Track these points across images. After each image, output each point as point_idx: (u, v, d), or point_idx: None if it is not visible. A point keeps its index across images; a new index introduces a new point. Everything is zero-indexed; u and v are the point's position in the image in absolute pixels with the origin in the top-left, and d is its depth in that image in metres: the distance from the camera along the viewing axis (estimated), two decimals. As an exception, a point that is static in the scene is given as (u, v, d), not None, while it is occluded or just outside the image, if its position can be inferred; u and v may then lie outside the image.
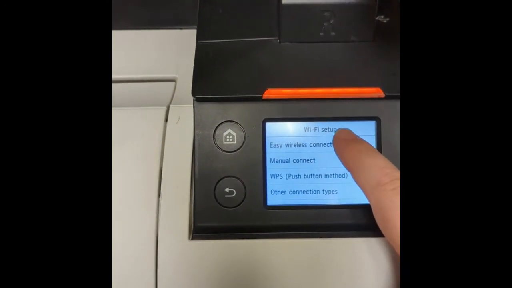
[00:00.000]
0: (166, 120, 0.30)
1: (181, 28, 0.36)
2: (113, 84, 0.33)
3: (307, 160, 0.28)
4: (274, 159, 0.28)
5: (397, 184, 0.22)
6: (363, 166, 0.24)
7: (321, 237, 0.27)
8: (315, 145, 0.28)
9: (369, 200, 0.24)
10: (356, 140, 0.27)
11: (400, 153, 0.24)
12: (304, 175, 0.28)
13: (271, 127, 0.28)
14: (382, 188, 0.22)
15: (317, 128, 0.28)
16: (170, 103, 0.31)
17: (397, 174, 0.23)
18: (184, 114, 0.29)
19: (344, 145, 0.27)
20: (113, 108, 0.28)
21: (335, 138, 0.28)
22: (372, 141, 0.28)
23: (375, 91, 0.27)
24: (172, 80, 0.34)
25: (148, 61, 0.35)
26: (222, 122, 0.28)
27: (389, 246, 0.26)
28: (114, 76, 0.33)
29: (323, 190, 0.28)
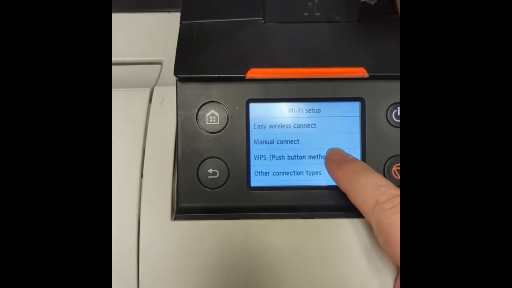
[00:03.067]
0: (151, 101, 0.29)
1: (168, 11, 0.36)
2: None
3: (291, 141, 0.28)
4: (257, 140, 0.28)
5: (395, 201, 0.22)
6: (358, 186, 0.24)
7: (304, 217, 0.26)
8: (299, 126, 0.28)
9: (369, 221, 0.23)
10: (349, 160, 0.26)
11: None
12: (288, 156, 0.28)
13: (254, 107, 0.28)
14: (381, 207, 0.22)
15: (301, 109, 0.28)
16: (155, 85, 0.31)
17: (394, 191, 0.22)
18: (168, 95, 0.29)
19: (337, 166, 0.26)
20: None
21: (326, 160, 0.27)
22: (357, 122, 0.28)
23: (359, 71, 0.27)
24: (159, 63, 0.34)
25: (135, 43, 0.34)
26: (205, 103, 0.28)
27: (371, 227, 0.26)
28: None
29: (306, 172, 0.28)
